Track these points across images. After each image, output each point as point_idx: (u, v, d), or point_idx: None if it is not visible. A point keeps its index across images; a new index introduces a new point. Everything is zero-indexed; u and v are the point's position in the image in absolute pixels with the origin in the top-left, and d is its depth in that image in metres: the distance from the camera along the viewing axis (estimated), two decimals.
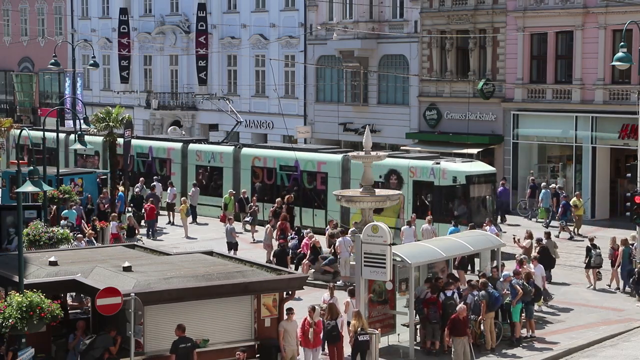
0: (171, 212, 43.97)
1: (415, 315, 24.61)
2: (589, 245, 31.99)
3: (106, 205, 40.12)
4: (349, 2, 50.31)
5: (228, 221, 36.73)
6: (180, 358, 20.43)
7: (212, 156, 45.23)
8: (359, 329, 22.57)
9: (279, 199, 40.28)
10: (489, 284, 25.61)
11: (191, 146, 46.67)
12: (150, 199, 41.89)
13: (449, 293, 24.84)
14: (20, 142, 46.98)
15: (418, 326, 24.91)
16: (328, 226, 35.29)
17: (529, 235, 32.64)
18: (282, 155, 42.57)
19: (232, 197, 42.44)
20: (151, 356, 20.79)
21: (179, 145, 47.05)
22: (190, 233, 41.19)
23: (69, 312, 23.22)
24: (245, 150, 44.49)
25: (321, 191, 40.56)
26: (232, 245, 35.19)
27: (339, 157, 40.38)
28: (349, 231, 33.38)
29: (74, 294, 24.28)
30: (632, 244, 31.26)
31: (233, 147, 45.21)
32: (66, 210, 35.62)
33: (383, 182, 37.73)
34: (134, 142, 47.80)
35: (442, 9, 46.96)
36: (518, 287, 25.80)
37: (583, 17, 42.28)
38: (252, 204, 41.06)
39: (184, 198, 42.81)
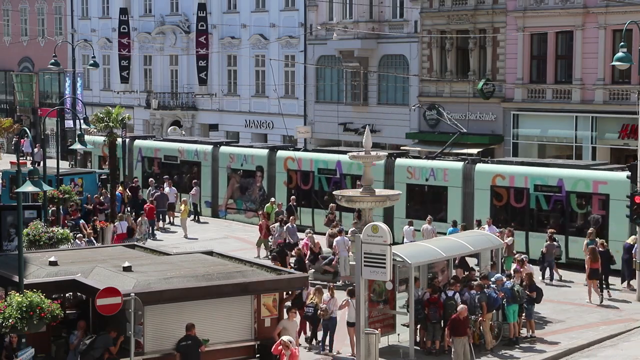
0: (172, 212, 43.98)
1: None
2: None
3: (105, 205, 40.11)
4: (349, 2, 50.30)
5: (291, 221, 35.68)
6: (184, 356, 20.56)
7: (432, 173, 37.68)
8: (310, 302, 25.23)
9: (332, 205, 37.10)
10: (490, 284, 25.72)
11: (400, 161, 39.12)
12: (151, 199, 41.94)
13: (450, 293, 24.87)
14: (147, 154, 45.85)
15: (418, 326, 24.96)
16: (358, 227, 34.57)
17: (511, 233, 32.70)
18: (540, 173, 35.20)
19: (273, 205, 39.40)
20: (155, 357, 20.83)
21: (381, 160, 38.14)
22: (190, 233, 41.20)
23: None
24: (481, 166, 36.88)
25: (597, 219, 33.58)
26: (292, 246, 33.92)
27: (624, 174, 32.85)
28: (349, 231, 33.40)
29: None
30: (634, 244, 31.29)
31: (463, 162, 37.75)
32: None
33: None
34: (313, 155, 41.68)
35: (442, 9, 46.95)
36: (501, 293, 25.70)
37: (583, 17, 42.27)
38: (277, 209, 38.94)
39: (184, 199, 42.80)
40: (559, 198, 34.56)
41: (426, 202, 38.09)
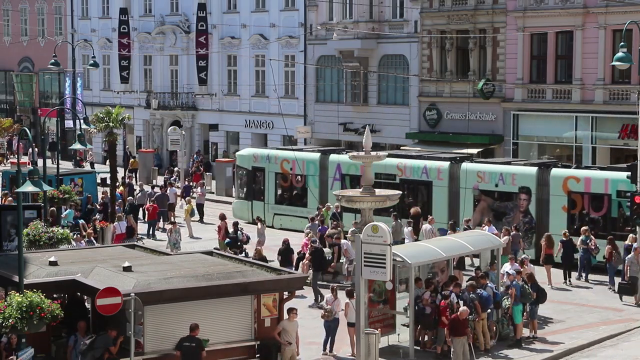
0: (172, 213, 43.97)
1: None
2: None
3: (105, 205, 40.15)
4: (349, 2, 50.30)
5: (338, 226, 35.41)
6: (185, 356, 20.56)
7: None
8: None
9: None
10: (488, 284, 25.78)
11: None
12: (152, 198, 41.96)
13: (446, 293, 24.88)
14: (349, 171, 40.66)
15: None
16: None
17: (507, 232, 32.75)
18: None
19: (329, 211, 37.64)
20: (155, 357, 20.83)
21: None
22: (193, 233, 41.19)
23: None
24: None
25: None
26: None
27: None
28: (349, 231, 33.40)
29: None
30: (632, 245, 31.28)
31: None
32: (69, 210, 35.87)
33: None
34: (610, 174, 33.86)
35: (442, 9, 46.94)
36: (513, 289, 25.80)
37: (583, 17, 42.27)
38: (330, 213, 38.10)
39: (188, 198, 42.81)
40: None
41: None
